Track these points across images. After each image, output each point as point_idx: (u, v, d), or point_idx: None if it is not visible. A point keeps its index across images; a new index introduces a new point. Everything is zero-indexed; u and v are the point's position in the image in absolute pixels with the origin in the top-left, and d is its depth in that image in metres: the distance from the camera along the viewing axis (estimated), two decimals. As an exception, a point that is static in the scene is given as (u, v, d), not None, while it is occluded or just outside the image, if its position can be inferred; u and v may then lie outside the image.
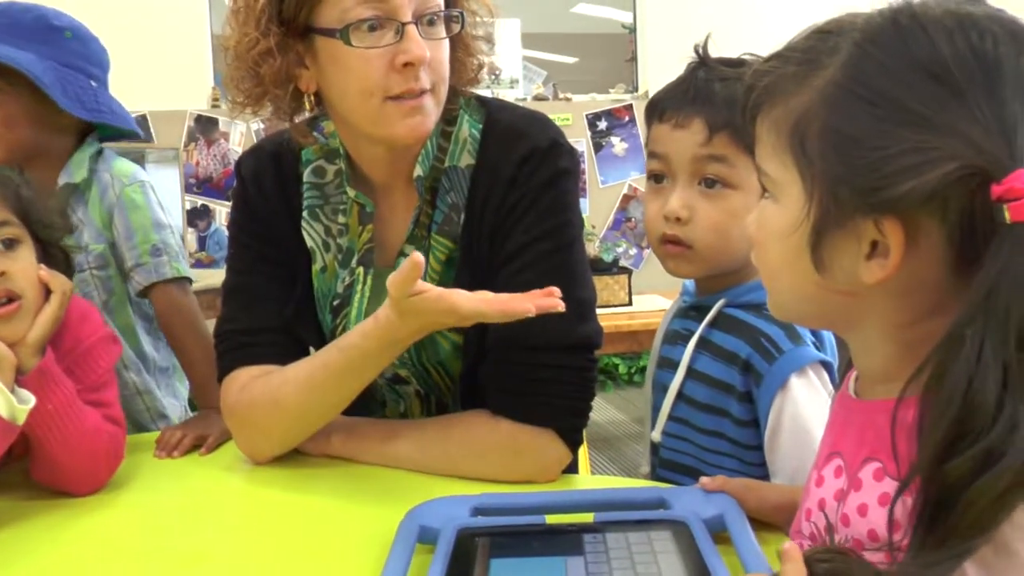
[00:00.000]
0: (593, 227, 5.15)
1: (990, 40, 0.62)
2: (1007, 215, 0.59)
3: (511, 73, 5.60)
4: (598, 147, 5.46)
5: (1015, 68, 0.62)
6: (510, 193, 1.19)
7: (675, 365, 1.18)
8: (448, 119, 1.24)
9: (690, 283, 1.23)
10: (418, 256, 1.01)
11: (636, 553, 0.85)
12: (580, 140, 5.36)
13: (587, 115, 5.46)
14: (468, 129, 1.24)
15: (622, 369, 5.62)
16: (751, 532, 0.89)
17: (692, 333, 1.17)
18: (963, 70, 0.62)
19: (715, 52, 1.16)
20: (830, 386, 1.08)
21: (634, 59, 5.82)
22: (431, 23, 1.15)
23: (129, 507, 1.17)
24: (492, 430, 1.17)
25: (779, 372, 1.07)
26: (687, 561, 0.83)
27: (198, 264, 4.98)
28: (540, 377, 1.16)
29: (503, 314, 1.03)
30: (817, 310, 0.74)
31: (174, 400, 1.69)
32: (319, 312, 1.31)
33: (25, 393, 1.11)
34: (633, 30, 5.86)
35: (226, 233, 4.04)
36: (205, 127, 5.04)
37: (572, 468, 1.23)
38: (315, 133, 1.28)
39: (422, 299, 1.04)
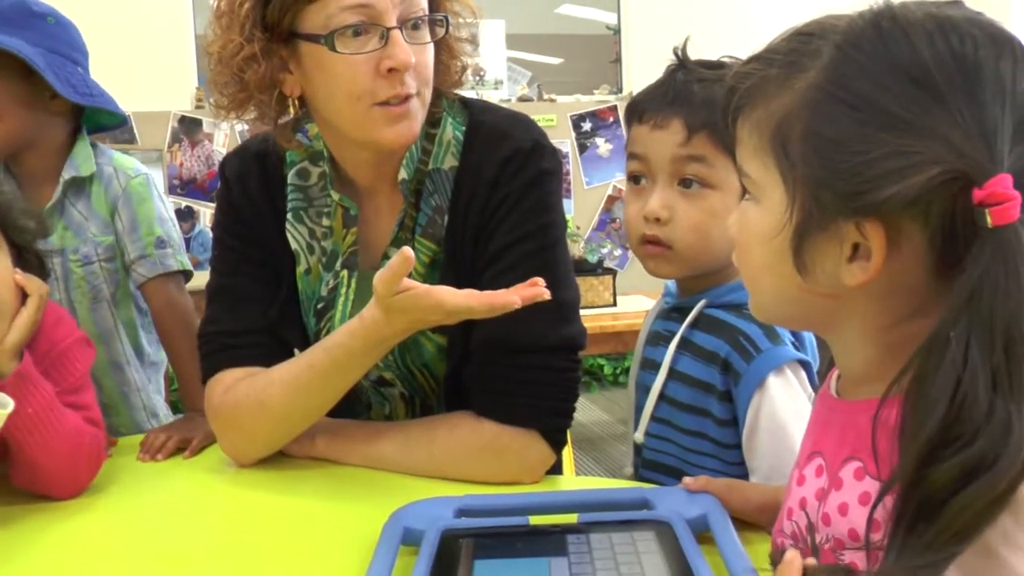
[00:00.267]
0: (578, 228, 5.16)
1: (970, 44, 0.62)
2: (989, 219, 0.59)
3: (496, 74, 5.60)
4: (583, 148, 5.47)
5: (995, 72, 0.62)
6: (493, 194, 1.19)
7: (658, 366, 1.18)
8: (432, 121, 1.24)
9: (672, 284, 1.24)
10: (408, 251, 1.01)
11: (619, 554, 0.85)
12: (565, 141, 5.36)
13: (571, 116, 5.46)
14: (452, 131, 1.24)
15: (607, 370, 5.62)
16: (734, 532, 0.89)
17: (674, 334, 1.17)
18: (944, 74, 0.62)
19: (698, 53, 1.16)
20: (808, 385, 1.08)
21: (618, 60, 5.82)
22: (416, 27, 1.15)
23: (111, 511, 1.17)
24: (476, 431, 1.17)
25: (757, 371, 1.08)
26: (670, 561, 0.83)
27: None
28: (523, 378, 1.16)
29: (489, 308, 1.03)
30: (799, 312, 0.74)
31: (159, 396, 1.69)
32: (303, 315, 1.31)
33: (4, 397, 1.10)
34: (617, 31, 5.86)
35: (211, 235, 4.02)
36: (189, 128, 5.01)
37: (556, 469, 1.23)
38: (299, 135, 1.28)
39: (408, 296, 1.04)
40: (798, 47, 0.68)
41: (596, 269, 3.81)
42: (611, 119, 5.48)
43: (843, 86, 0.64)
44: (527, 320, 1.07)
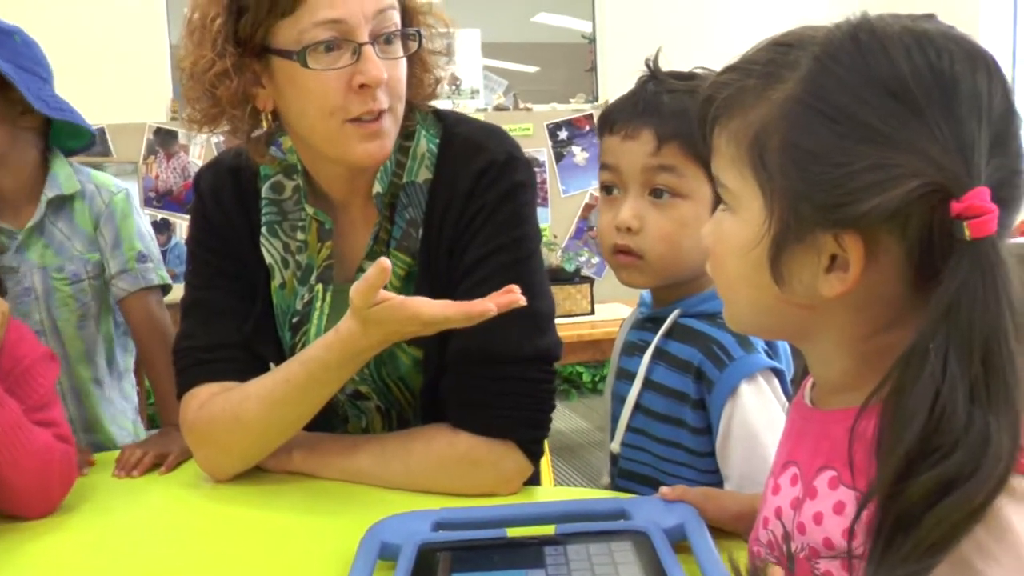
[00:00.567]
0: (555, 236, 5.16)
1: (947, 58, 0.63)
2: (967, 232, 0.60)
3: (472, 83, 5.60)
4: (559, 157, 5.48)
5: (971, 86, 0.63)
6: (468, 206, 1.19)
7: (633, 376, 1.18)
8: (405, 134, 1.23)
9: (647, 294, 1.24)
10: (385, 261, 1.01)
11: (597, 564, 0.86)
12: (541, 150, 5.37)
13: (548, 125, 5.47)
14: (426, 144, 1.24)
15: (586, 377, 5.63)
16: (711, 541, 0.90)
17: (648, 344, 1.18)
18: (922, 88, 0.62)
19: (673, 64, 1.17)
20: (781, 393, 1.09)
21: (594, 69, 5.84)
22: (388, 42, 1.14)
23: (85, 529, 1.16)
24: (452, 443, 1.17)
25: (729, 379, 1.08)
26: (648, 571, 0.83)
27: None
28: (499, 390, 1.16)
29: (466, 316, 1.03)
30: (775, 322, 0.74)
31: (125, 403, 1.68)
32: (278, 329, 1.30)
33: None
34: (593, 40, 5.88)
35: (186, 247, 3.98)
36: (164, 140, 4.98)
37: (535, 478, 1.23)
38: (273, 148, 1.27)
39: (385, 308, 1.04)
40: (776, 58, 0.68)
41: (574, 277, 3.81)
42: (587, 128, 5.49)
43: (822, 98, 0.65)
44: (502, 331, 1.07)
